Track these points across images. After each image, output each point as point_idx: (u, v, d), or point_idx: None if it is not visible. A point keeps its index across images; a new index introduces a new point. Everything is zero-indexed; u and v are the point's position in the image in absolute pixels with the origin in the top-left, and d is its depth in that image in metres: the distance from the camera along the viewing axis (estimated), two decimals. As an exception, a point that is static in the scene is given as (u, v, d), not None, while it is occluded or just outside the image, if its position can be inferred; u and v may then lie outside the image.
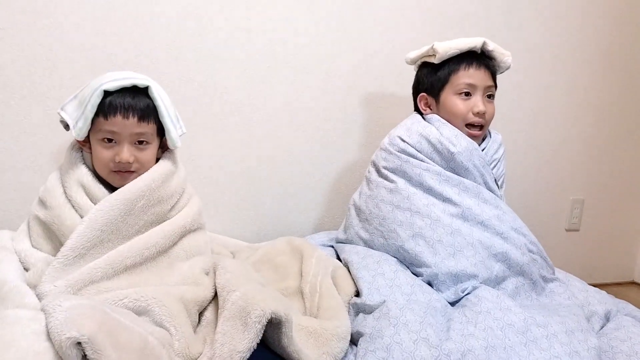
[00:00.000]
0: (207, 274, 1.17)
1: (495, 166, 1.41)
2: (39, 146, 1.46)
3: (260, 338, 0.90)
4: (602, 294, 1.34)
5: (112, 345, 0.83)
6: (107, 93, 1.06)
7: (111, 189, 1.11)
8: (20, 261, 1.11)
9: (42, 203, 1.13)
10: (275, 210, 1.73)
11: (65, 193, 1.11)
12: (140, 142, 1.11)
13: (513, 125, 1.96)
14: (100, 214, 1.04)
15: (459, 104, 1.39)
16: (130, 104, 1.07)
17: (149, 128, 1.10)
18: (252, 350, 0.89)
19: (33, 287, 1.02)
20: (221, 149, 1.64)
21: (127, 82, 1.07)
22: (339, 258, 1.40)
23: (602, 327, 1.23)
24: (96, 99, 1.05)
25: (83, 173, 1.11)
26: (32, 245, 1.14)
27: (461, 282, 1.21)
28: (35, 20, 1.40)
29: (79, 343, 0.81)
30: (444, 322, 1.09)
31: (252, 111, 1.65)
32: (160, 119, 1.11)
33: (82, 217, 1.07)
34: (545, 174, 2.07)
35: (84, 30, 1.45)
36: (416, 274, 1.26)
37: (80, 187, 1.10)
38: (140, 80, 1.09)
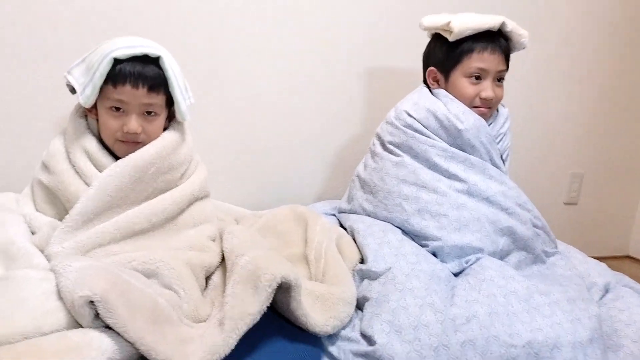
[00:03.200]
0: (213, 240, 1.17)
1: (500, 140, 1.40)
2: (40, 109, 1.44)
3: (270, 301, 0.90)
4: (601, 265, 1.36)
5: (124, 305, 0.84)
6: (116, 60, 1.03)
7: (115, 158, 1.10)
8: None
9: (46, 168, 1.13)
10: (277, 179, 1.73)
11: (69, 159, 1.10)
12: (149, 113, 1.09)
13: (513, 99, 1.94)
14: (110, 180, 1.03)
15: (467, 88, 1.36)
16: (141, 73, 1.04)
17: (158, 99, 1.08)
18: (263, 312, 0.89)
19: (39, 250, 1.03)
20: (224, 118, 1.63)
21: (138, 51, 1.04)
22: (341, 227, 1.41)
23: (601, 298, 1.25)
24: (106, 67, 1.02)
25: (88, 140, 1.10)
26: (36, 210, 1.14)
27: (466, 255, 1.22)
28: (37, -20, 1.37)
29: (92, 302, 0.82)
30: (448, 290, 1.10)
31: (255, 79, 1.64)
32: (170, 91, 1.09)
33: (86, 183, 1.07)
34: (545, 148, 2.08)
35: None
36: (421, 246, 1.26)
37: (84, 153, 1.09)
38: (152, 50, 1.05)
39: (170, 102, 1.12)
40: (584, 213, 2.21)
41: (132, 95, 1.05)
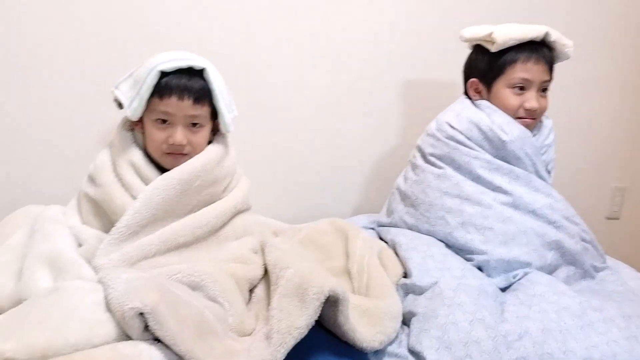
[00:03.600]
0: (255, 253, 1.17)
1: (545, 152, 1.37)
2: (86, 122, 1.47)
3: (318, 315, 0.89)
4: (653, 281, 1.31)
5: (173, 317, 0.84)
6: (163, 73, 1.05)
7: (161, 170, 1.11)
8: (72, 236, 1.12)
9: (92, 180, 1.14)
10: (315, 192, 1.72)
11: (115, 171, 1.11)
12: (194, 125, 1.09)
13: (554, 110, 1.90)
14: (156, 192, 1.04)
15: (511, 98, 1.33)
16: (186, 85, 1.06)
17: (203, 111, 1.09)
18: (310, 326, 0.88)
19: (86, 262, 1.03)
20: (261, 130, 1.64)
21: (183, 63, 1.06)
22: (381, 240, 1.39)
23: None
24: (152, 79, 1.04)
25: (134, 153, 1.11)
26: (83, 222, 1.15)
27: (513, 269, 1.19)
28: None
29: (141, 314, 0.82)
30: (497, 306, 1.07)
31: (293, 91, 1.64)
32: (215, 103, 1.10)
33: (132, 196, 1.07)
34: (586, 161, 2.03)
35: (130, 9, 1.44)
36: (466, 260, 1.23)
37: (130, 166, 1.10)
38: (197, 62, 1.07)
39: (214, 114, 1.12)
40: (627, 228, 2.14)
41: (178, 107, 1.06)
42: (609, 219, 2.12)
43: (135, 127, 1.13)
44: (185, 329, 0.84)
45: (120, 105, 1.13)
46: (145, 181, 1.09)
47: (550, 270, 1.21)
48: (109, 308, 0.87)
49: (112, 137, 1.15)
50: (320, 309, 0.89)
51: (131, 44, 1.46)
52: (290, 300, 0.92)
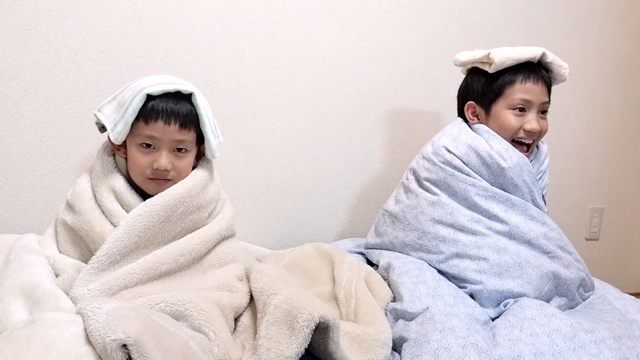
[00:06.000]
0: (240, 280, 1.14)
1: (540, 177, 1.36)
2: (62, 150, 1.43)
3: (308, 343, 0.86)
4: (638, 302, 1.31)
5: (157, 348, 0.80)
6: (148, 97, 1.03)
7: (143, 197, 1.08)
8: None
9: (70, 207, 1.10)
10: (298, 217, 1.70)
11: (95, 198, 1.08)
12: (179, 150, 1.07)
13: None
14: (138, 220, 1.01)
15: (511, 119, 1.31)
16: (173, 109, 1.04)
17: (189, 136, 1.07)
18: (300, 355, 0.86)
19: (64, 293, 0.99)
20: (244, 154, 1.62)
21: (171, 87, 1.04)
22: (369, 263, 1.37)
23: (642, 336, 1.20)
24: (138, 103, 1.01)
25: (116, 179, 1.08)
26: (60, 251, 1.11)
27: (505, 299, 1.17)
28: (60, 21, 1.38)
29: (124, 345, 0.78)
30: (489, 331, 1.06)
31: (275, 116, 1.63)
32: (201, 128, 1.08)
33: (112, 223, 1.04)
34: (564, 182, 2.06)
35: (109, 32, 1.43)
36: (458, 287, 1.21)
37: (111, 192, 1.07)
38: (185, 87, 1.05)
39: (199, 139, 1.10)
40: (606, 248, 2.17)
41: (164, 131, 1.04)
42: (588, 239, 2.14)
43: (117, 152, 1.10)
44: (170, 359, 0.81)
45: (102, 129, 1.10)
46: (127, 208, 1.06)
47: (544, 301, 1.19)
48: (89, 340, 0.82)
49: (92, 163, 1.12)
50: (310, 336, 0.87)
51: (112, 68, 1.44)
52: (279, 328, 0.89)
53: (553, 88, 1.39)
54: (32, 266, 1.02)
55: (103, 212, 1.06)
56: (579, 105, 2.01)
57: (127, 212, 1.04)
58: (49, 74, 1.39)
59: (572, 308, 1.24)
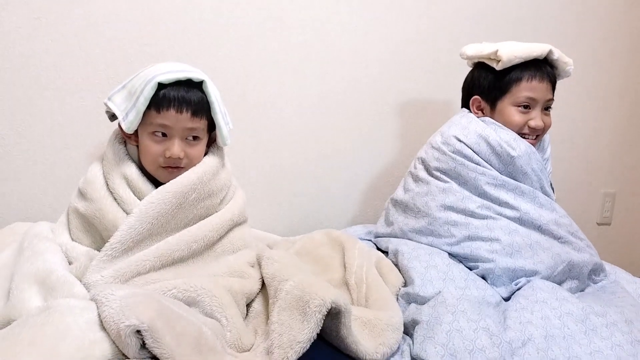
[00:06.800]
0: (252, 266, 1.14)
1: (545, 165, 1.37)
2: (73, 138, 1.44)
3: (320, 328, 0.87)
4: (650, 285, 1.31)
5: (170, 333, 0.81)
6: (160, 85, 1.02)
7: (155, 184, 1.08)
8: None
9: (82, 195, 1.10)
10: (308, 204, 1.71)
11: (107, 185, 1.08)
12: (192, 138, 1.07)
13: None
14: (151, 207, 1.01)
15: (516, 116, 1.33)
16: (185, 98, 1.03)
17: (201, 123, 1.07)
18: (312, 340, 0.86)
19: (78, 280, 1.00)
20: (254, 142, 1.62)
21: (182, 75, 1.03)
22: (379, 250, 1.37)
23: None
24: (150, 91, 1.01)
25: (128, 166, 1.08)
26: (72, 239, 1.12)
27: (518, 277, 1.18)
28: (70, 9, 1.38)
29: (138, 331, 0.79)
30: (500, 314, 1.06)
31: (285, 102, 1.63)
32: (213, 115, 1.07)
33: (125, 211, 1.05)
34: (576, 167, 2.04)
35: (118, 20, 1.43)
36: (469, 268, 1.22)
37: (123, 180, 1.07)
38: (196, 74, 1.05)
39: (211, 127, 1.10)
40: (618, 233, 2.16)
41: (176, 119, 1.04)
42: (600, 224, 2.13)
43: (128, 140, 1.10)
44: (183, 345, 0.82)
45: (112, 117, 1.10)
46: (139, 195, 1.06)
47: (556, 282, 1.19)
48: (103, 326, 0.83)
49: (103, 150, 1.13)
50: (322, 321, 0.87)
51: (121, 56, 1.44)
52: (291, 314, 0.90)
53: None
54: (45, 253, 1.03)
55: (115, 199, 1.06)
56: (591, 89, 1.99)
57: (139, 200, 1.04)
58: (58, 63, 1.40)
59: (582, 291, 1.24)
